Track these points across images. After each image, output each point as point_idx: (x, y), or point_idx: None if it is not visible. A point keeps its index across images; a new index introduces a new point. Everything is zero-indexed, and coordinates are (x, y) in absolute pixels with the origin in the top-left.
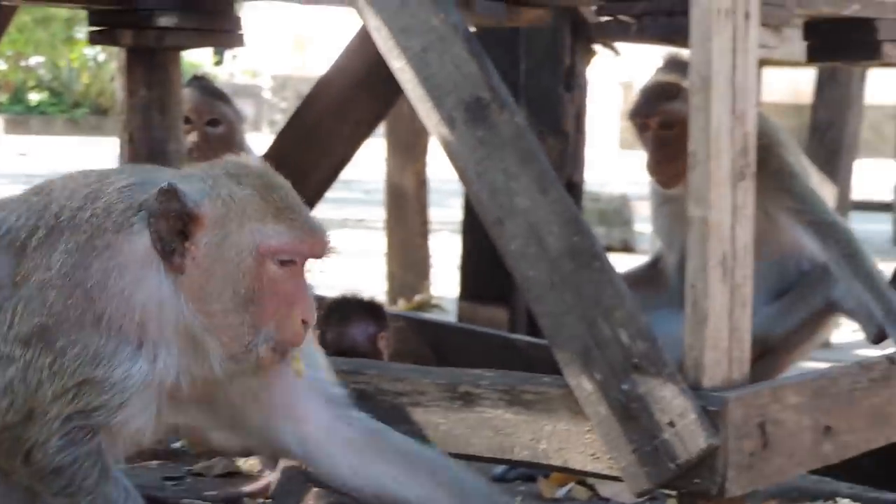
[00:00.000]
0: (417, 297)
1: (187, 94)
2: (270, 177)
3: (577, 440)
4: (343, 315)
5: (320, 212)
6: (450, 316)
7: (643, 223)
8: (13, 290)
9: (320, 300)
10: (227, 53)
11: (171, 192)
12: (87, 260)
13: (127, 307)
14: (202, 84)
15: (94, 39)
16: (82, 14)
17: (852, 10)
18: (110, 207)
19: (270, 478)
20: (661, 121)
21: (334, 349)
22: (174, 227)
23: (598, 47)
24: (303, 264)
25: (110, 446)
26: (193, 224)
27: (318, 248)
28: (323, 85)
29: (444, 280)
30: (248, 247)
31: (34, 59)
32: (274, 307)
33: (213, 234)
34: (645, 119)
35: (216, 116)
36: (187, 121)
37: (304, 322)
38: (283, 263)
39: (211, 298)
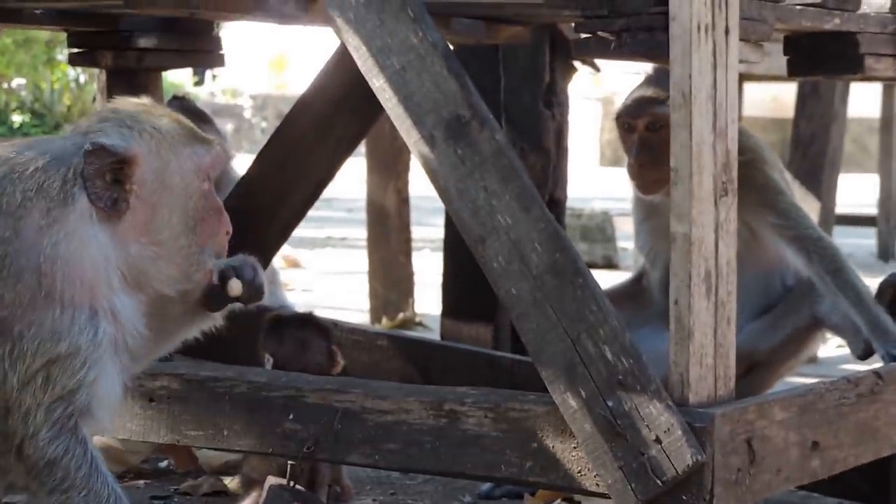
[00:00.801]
0: (401, 315)
1: None
2: (165, 107)
3: (562, 457)
4: (295, 333)
5: (302, 231)
6: (433, 334)
7: (626, 240)
8: None
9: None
10: (207, 74)
11: (99, 150)
12: (34, 240)
13: (75, 273)
14: (183, 104)
15: (74, 61)
16: (63, 36)
17: (833, 25)
18: (42, 186)
19: (256, 495)
20: (649, 122)
21: (294, 367)
22: (110, 178)
23: (577, 64)
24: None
25: (91, 432)
26: (129, 167)
27: (227, 161)
28: (302, 104)
29: (427, 298)
30: (191, 169)
31: (16, 82)
32: (209, 223)
33: (152, 167)
34: (632, 120)
35: None
36: None
37: (227, 233)
38: (206, 180)
39: (160, 228)
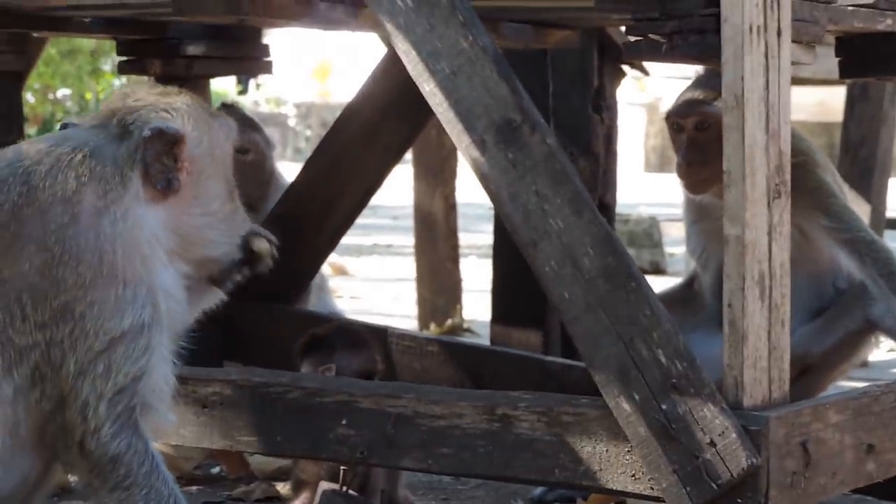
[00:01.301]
0: (448, 322)
1: None
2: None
3: (616, 461)
4: (347, 342)
5: (348, 238)
6: (481, 340)
7: (673, 245)
8: (1, 287)
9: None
10: (251, 82)
11: (157, 135)
12: (93, 222)
13: (133, 251)
14: (232, 111)
15: (123, 69)
16: (107, 46)
17: (885, 25)
18: (95, 172)
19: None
20: (697, 122)
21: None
22: (167, 160)
23: (626, 68)
24: None
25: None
26: (179, 146)
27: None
28: (350, 111)
29: (475, 304)
30: (223, 138)
31: (61, 92)
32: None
33: (196, 143)
34: (681, 119)
35: (246, 144)
36: None
37: None
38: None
39: (209, 198)
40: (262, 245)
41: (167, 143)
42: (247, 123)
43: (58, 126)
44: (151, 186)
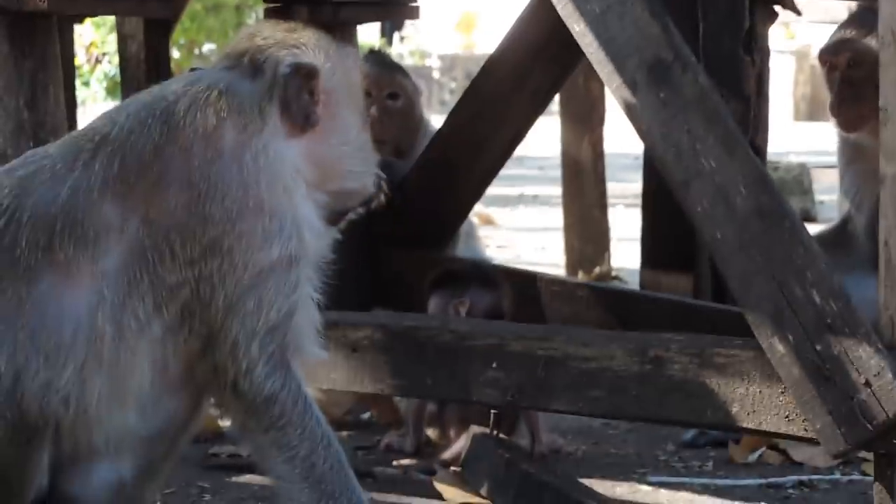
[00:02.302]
0: (597, 270)
1: (366, 68)
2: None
3: (769, 402)
4: (480, 280)
5: (494, 189)
6: (631, 287)
7: (823, 193)
8: (148, 227)
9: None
10: (395, 35)
11: (296, 70)
12: (235, 156)
13: (277, 183)
14: (380, 57)
15: (269, 17)
16: (251, 1)
17: None
18: (233, 107)
19: (460, 445)
20: (850, 58)
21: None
22: (306, 94)
23: (778, 9)
24: None
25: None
26: (314, 80)
27: None
28: (498, 55)
29: (622, 252)
30: (353, 69)
31: (206, 47)
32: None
33: (331, 76)
34: (834, 57)
35: (395, 89)
36: (367, 94)
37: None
38: None
39: (346, 129)
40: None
41: (304, 78)
42: (395, 69)
43: (188, 70)
44: (289, 121)
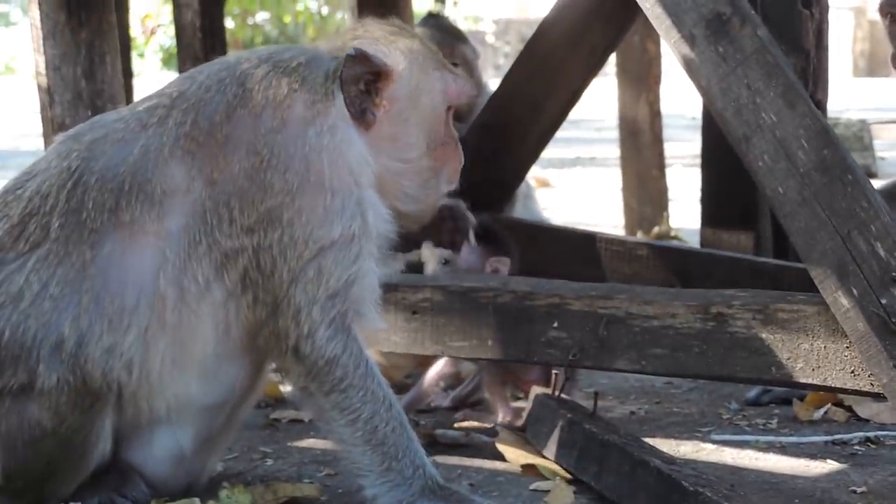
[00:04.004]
0: (656, 229)
1: (424, 34)
2: (415, 29)
3: (834, 358)
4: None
5: (550, 151)
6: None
7: (884, 149)
8: (211, 189)
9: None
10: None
11: (360, 57)
12: (300, 130)
13: (341, 162)
14: (438, 22)
15: None
16: None
17: None
18: (305, 80)
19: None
20: None
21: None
22: (363, 87)
23: None
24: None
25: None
26: (384, 80)
27: (471, 94)
28: (554, 15)
29: (681, 212)
30: (439, 91)
31: (260, 16)
32: (447, 149)
33: (404, 85)
34: (894, 9)
35: (454, 56)
36: None
37: (460, 163)
38: (448, 109)
39: (407, 146)
40: (443, 195)
41: (369, 71)
42: (453, 33)
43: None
44: (350, 109)
